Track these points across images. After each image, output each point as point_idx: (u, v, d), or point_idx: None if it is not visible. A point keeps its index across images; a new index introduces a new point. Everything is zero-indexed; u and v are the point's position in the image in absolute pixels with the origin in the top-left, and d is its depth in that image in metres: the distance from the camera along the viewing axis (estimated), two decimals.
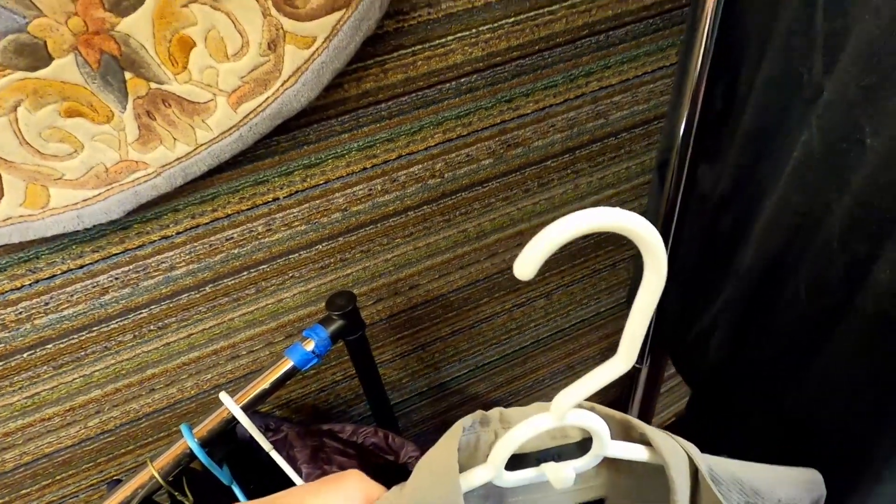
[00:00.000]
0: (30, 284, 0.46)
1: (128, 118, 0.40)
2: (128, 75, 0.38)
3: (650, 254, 0.20)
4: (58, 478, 0.59)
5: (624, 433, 0.29)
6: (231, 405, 0.42)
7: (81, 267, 0.47)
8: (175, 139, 0.42)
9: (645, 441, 0.28)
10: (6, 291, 0.45)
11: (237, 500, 0.45)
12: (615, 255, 0.77)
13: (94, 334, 0.51)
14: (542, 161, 0.61)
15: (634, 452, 0.28)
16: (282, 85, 0.42)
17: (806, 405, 0.45)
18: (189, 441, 0.41)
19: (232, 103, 0.42)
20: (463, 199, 0.60)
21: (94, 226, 0.43)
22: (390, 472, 0.56)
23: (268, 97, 0.42)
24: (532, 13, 0.51)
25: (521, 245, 0.68)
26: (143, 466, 0.40)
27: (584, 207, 0.78)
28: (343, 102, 0.48)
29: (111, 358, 0.53)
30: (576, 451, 0.28)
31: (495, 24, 0.50)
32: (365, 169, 0.53)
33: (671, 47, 0.60)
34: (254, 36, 0.40)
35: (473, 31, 0.49)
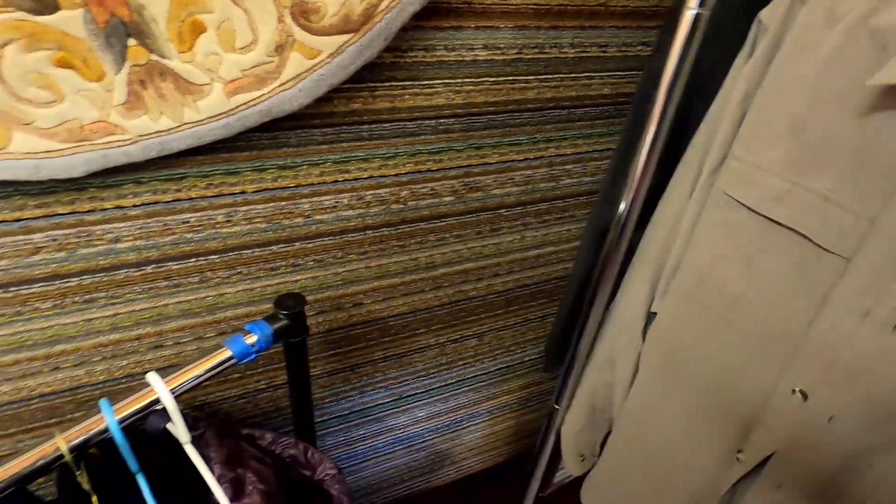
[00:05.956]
0: None
1: (119, 81, 0.40)
2: (131, 42, 0.39)
3: None
4: None
5: None
6: (160, 387, 0.40)
7: (18, 220, 0.44)
8: (161, 112, 0.42)
9: None
10: None
11: (137, 490, 0.42)
12: (548, 307, 0.83)
13: (9, 295, 0.47)
14: (497, 209, 0.67)
15: None
16: (279, 86, 0.45)
17: None
18: (108, 417, 0.38)
19: (227, 92, 0.43)
20: (420, 229, 0.63)
21: (49, 180, 0.41)
22: (304, 488, 0.55)
23: (263, 94, 0.44)
24: (510, 77, 0.57)
25: (465, 282, 0.71)
26: (48, 438, 0.37)
27: (527, 258, 0.84)
28: (330, 116, 0.51)
29: (21, 325, 0.49)
30: None
31: (478, 79, 0.56)
32: (336, 181, 0.55)
33: (619, 133, 0.69)
34: (264, 36, 0.42)
35: (458, 80, 0.55)
